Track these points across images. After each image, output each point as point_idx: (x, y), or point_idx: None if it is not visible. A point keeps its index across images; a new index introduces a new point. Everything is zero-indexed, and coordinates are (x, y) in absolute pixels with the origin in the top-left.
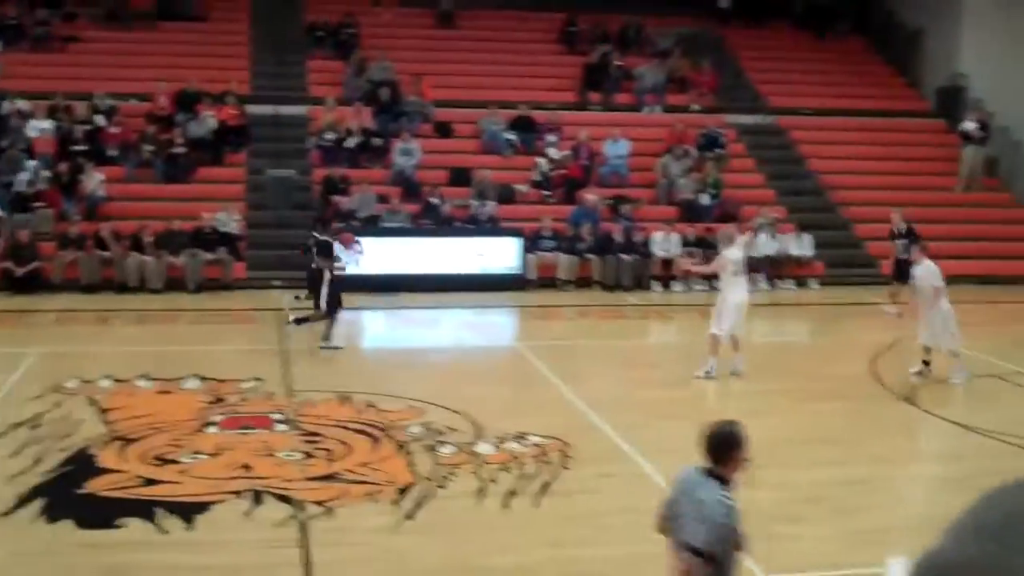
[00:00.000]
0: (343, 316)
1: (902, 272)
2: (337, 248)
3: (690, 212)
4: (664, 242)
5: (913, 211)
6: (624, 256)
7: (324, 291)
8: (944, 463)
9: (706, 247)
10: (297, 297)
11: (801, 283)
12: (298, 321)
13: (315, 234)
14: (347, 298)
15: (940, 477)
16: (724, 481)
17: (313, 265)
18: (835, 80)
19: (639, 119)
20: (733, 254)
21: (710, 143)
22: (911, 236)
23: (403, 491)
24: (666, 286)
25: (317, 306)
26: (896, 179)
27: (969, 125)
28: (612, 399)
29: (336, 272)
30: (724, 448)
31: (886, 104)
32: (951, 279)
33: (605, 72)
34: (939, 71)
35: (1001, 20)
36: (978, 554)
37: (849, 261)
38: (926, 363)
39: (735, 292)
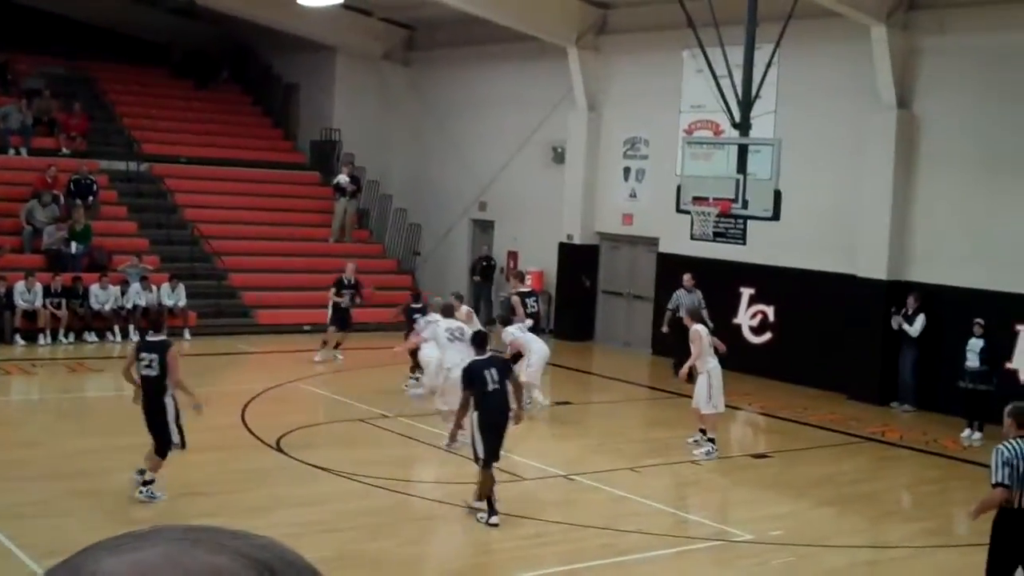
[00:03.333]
0: None
1: (343, 320)
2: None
3: (57, 261)
4: (27, 293)
5: (289, 261)
6: None
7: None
8: (310, 506)
9: (71, 297)
10: None
11: (172, 334)
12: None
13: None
14: None
15: (308, 521)
16: None
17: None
18: (213, 130)
19: (3, 161)
20: (449, 324)
21: (82, 190)
22: (357, 287)
23: None
24: (30, 339)
25: None
26: (273, 229)
27: (342, 179)
28: None
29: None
30: None
31: (263, 155)
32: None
33: None
34: (314, 125)
35: (372, 81)
36: None
37: (223, 311)
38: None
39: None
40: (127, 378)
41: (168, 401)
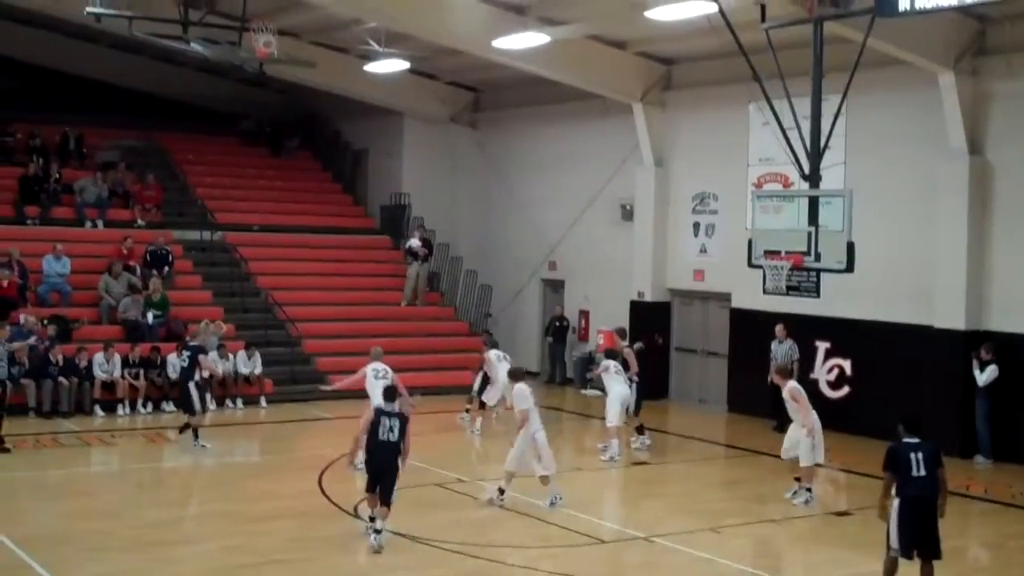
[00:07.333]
0: None
1: None
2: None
3: (134, 332)
4: (105, 364)
5: (362, 326)
6: (63, 380)
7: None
8: (385, 573)
9: (148, 367)
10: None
11: (248, 402)
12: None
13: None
14: None
15: None
16: None
17: None
18: (284, 197)
19: (80, 234)
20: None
21: (157, 260)
22: None
23: None
24: (109, 410)
25: None
26: (345, 295)
27: (414, 243)
28: (45, 535)
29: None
30: None
31: (334, 221)
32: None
33: (43, 185)
34: (383, 190)
35: (439, 144)
36: None
37: (298, 377)
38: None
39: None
40: (358, 442)
41: (400, 464)
